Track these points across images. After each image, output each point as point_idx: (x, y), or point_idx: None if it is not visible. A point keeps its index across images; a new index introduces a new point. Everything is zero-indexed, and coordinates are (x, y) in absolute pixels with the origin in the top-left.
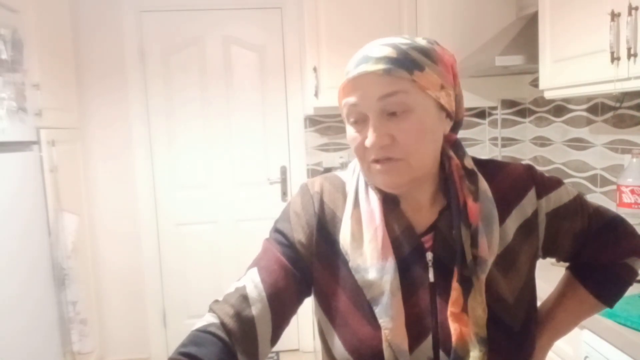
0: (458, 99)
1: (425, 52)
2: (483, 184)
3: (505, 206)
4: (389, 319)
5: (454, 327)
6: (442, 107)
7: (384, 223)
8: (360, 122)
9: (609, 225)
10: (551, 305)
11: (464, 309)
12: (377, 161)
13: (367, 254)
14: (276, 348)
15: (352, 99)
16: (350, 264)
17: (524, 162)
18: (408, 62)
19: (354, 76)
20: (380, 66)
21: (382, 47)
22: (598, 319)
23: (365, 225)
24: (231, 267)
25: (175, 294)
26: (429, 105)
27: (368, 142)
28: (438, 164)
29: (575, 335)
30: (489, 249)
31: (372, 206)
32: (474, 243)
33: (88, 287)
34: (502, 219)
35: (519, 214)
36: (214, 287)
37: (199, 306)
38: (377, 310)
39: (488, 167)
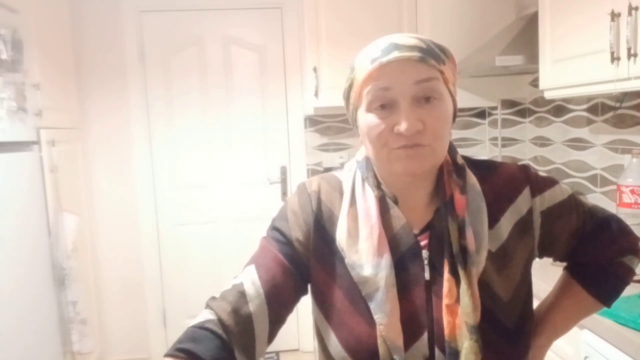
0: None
1: (442, 49)
2: (471, 178)
3: (499, 205)
4: (384, 315)
5: (447, 321)
6: (454, 102)
7: (380, 221)
8: (388, 108)
9: (605, 224)
10: (549, 305)
11: (457, 301)
12: (405, 147)
13: (363, 251)
14: (276, 348)
15: (384, 83)
16: (346, 261)
17: (523, 162)
18: (436, 54)
19: (389, 60)
20: (416, 53)
21: (410, 38)
22: (598, 319)
23: (362, 223)
24: (231, 267)
25: (175, 293)
26: (449, 98)
27: (403, 128)
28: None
29: (575, 335)
30: (477, 241)
31: (368, 204)
32: (461, 234)
33: (88, 287)
34: (497, 217)
35: (514, 213)
36: (214, 287)
37: (199, 306)
38: (372, 306)
39: (483, 167)
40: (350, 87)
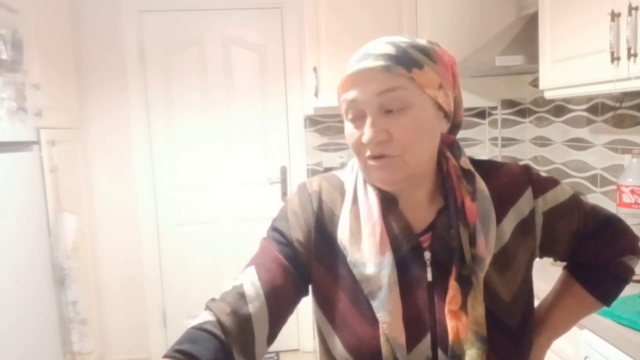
0: (457, 101)
1: (424, 51)
2: (481, 183)
3: (501, 206)
4: (387, 313)
5: (451, 325)
6: (439, 107)
7: (382, 219)
8: (358, 118)
9: (606, 224)
10: (549, 304)
11: (462, 307)
12: (373, 157)
13: (365, 249)
14: (276, 348)
15: (351, 95)
16: (349, 259)
17: (523, 162)
18: (407, 60)
19: (354, 72)
20: (380, 63)
21: (382, 45)
22: (598, 319)
23: (364, 221)
24: (231, 267)
25: (175, 293)
26: (427, 103)
27: (365, 138)
28: (435, 164)
29: (575, 335)
30: (487, 247)
31: (370, 202)
32: (472, 242)
33: (88, 287)
34: (499, 218)
35: (516, 214)
36: (214, 287)
37: (199, 306)
38: (375, 305)
39: (484, 167)
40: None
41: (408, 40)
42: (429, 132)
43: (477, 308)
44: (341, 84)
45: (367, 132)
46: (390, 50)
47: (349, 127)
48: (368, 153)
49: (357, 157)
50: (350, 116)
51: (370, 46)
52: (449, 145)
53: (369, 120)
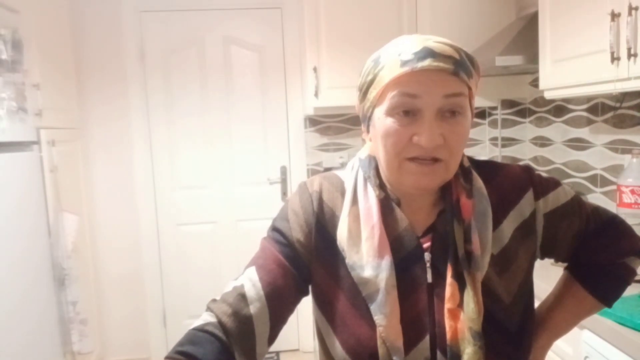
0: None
1: (472, 61)
2: (478, 181)
3: (502, 207)
4: (383, 316)
5: (449, 325)
6: (471, 117)
7: (381, 221)
8: (410, 115)
9: (607, 225)
10: (550, 305)
11: (460, 305)
12: (417, 159)
13: (364, 252)
14: (276, 348)
15: (413, 90)
16: (347, 261)
17: (523, 163)
18: (467, 68)
19: (422, 68)
20: (450, 65)
21: (444, 46)
22: (598, 319)
23: (363, 223)
24: (231, 267)
25: (175, 294)
26: (469, 114)
27: (424, 140)
28: None
29: (575, 335)
30: (481, 245)
31: (370, 203)
32: (467, 239)
33: (88, 287)
34: (500, 220)
35: (517, 215)
36: (214, 287)
37: (199, 306)
38: (372, 307)
39: (486, 168)
40: (372, 82)
41: (460, 46)
42: (466, 142)
43: (470, 304)
44: (397, 77)
45: (427, 134)
46: (455, 54)
47: (390, 123)
48: (414, 153)
49: (392, 157)
50: (398, 111)
51: (432, 43)
52: None
53: (427, 122)
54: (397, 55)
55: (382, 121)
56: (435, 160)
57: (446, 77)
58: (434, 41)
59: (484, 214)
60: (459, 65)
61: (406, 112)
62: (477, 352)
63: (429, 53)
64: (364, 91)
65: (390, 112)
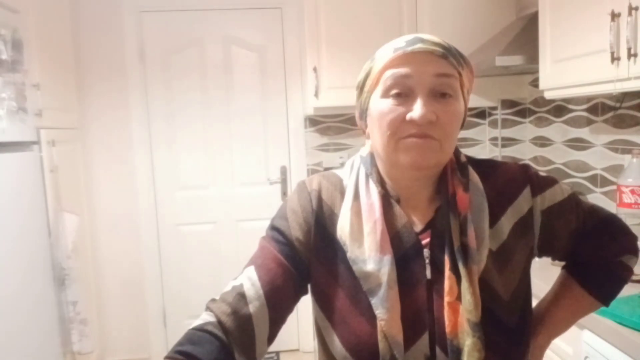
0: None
1: (462, 56)
2: (474, 176)
3: (500, 204)
4: (385, 311)
5: (448, 319)
6: (465, 108)
7: (383, 216)
8: (404, 96)
9: (604, 224)
10: (548, 304)
11: (458, 298)
12: (415, 136)
13: (366, 246)
14: (276, 348)
15: (405, 70)
16: (349, 254)
17: (523, 162)
18: (456, 55)
19: (413, 50)
20: (439, 49)
21: (432, 37)
22: (598, 319)
23: (365, 218)
24: (231, 267)
25: (175, 293)
26: (461, 101)
27: (416, 114)
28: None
29: (575, 335)
30: (478, 239)
31: (372, 199)
32: (463, 232)
33: (88, 287)
34: (497, 216)
35: (514, 212)
36: (214, 287)
37: (199, 306)
38: (373, 302)
39: (483, 166)
40: (367, 75)
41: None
42: (459, 125)
43: (467, 296)
44: (390, 60)
45: (419, 109)
46: (444, 43)
47: (387, 104)
48: (409, 132)
49: (389, 136)
50: (394, 92)
51: (422, 35)
52: None
53: (421, 99)
54: (390, 46)
55: (377, 105)
56: (429, 137)
57: (436, 59)
58: (425, 34)
59: (480, 208)
60: (448, 51)
61: (399, 94)
62: (477, 342)
63: (419, 40)
64: (361, 86)
65: (384, 94)
